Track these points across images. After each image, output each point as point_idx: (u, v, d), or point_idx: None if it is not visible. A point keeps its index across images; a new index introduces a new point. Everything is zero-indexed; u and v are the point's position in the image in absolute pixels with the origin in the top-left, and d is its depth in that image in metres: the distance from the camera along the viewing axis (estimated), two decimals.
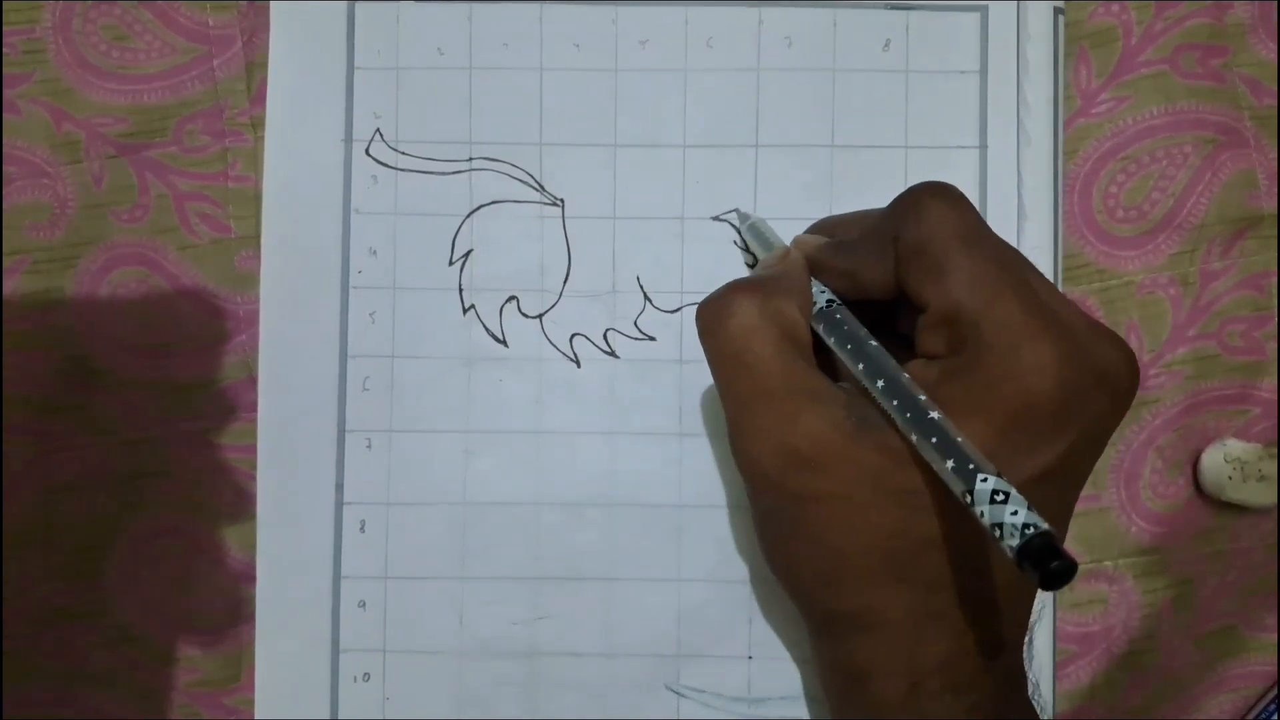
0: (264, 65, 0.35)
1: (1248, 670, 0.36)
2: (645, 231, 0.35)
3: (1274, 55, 0.36)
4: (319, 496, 0.34)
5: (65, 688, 0.34)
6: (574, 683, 0.34)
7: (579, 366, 0.35)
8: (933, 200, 0.27)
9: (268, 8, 0.35)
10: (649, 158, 0.35)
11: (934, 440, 0.25)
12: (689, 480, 0.34)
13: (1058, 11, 0.34)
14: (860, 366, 0.27)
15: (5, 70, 0.35)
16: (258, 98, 0.35)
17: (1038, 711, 0.29)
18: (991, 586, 0.27)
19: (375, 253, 0.35)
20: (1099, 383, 0.26)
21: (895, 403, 0.26)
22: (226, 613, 0.35)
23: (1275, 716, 0.35)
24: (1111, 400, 0.27)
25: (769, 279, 0.29)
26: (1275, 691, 0.35)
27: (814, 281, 0.30)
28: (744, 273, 0.34)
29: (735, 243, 0.35)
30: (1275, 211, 0.35)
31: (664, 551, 0.34)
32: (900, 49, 0.35)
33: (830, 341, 0.28)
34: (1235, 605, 0.36)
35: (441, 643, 0.34)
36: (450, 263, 0.35)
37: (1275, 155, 0.35)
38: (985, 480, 0.23)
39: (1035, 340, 0.25)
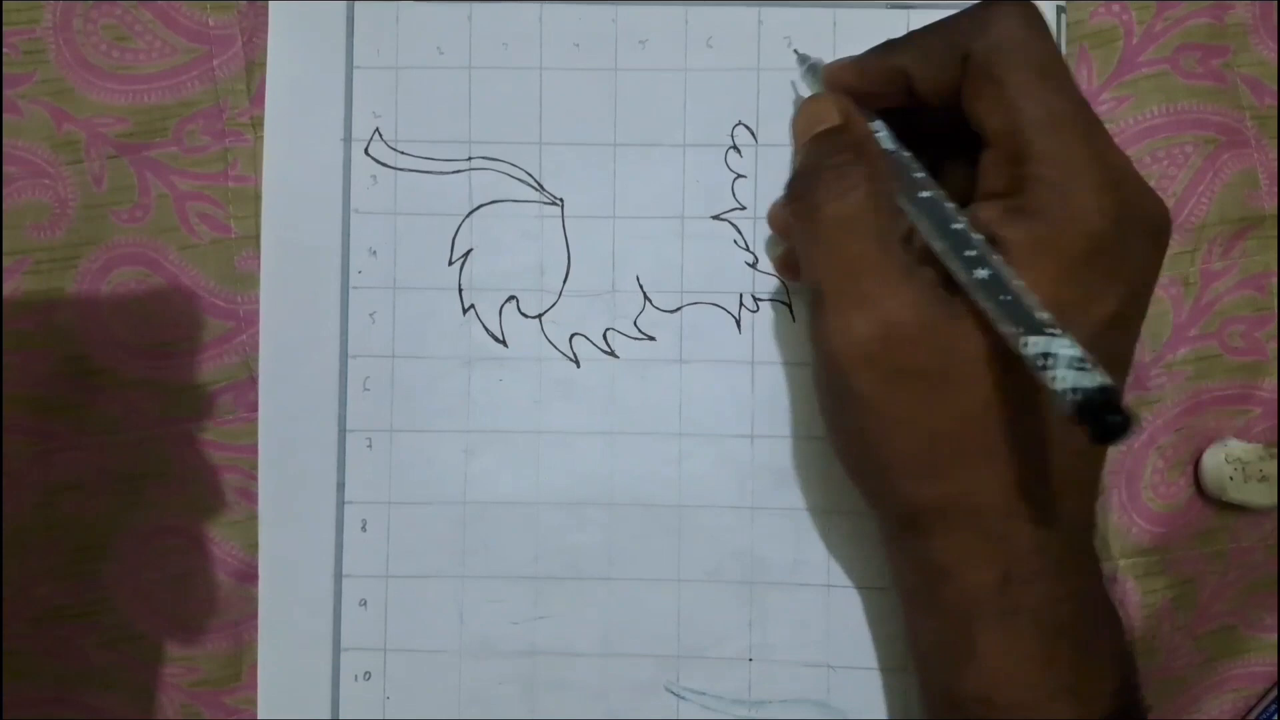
0: (264, 65, 0.35)
1: (1248, 670, 0.36)
2: (645, 231, 0.35)
3: (1274, 55, 0.36)
4: (320, 496, 0.34)
5: (65, 687, 0.34)
6: (574, 683, 0.34)
7: (579, 366, 0.35)
8: (1012, 17, 0.26)
9: (267, 7, 0.35)
10: (649, 157, 0.35)
11: (985, 301, 0.24)
12: (689, 480, 0.34)
13: (1060, 10, 0.34)
14: (928, 226, 0.27)
15: (5, 70, 0.35)
16: (257, 98, 0.35)
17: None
18: (1068, 460, 0.27)
19: (375, 253, 0.35)
20: (1147, 231, 0.26)
21: (960, 263, 0.25)
22: (227, 612, 0.35)
23: (1276, 717, 0.35)
24: (1154, 248, 0.27)
25: (869, 154, 0.28)
26: (1275, 692, 0.35)
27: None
28: (744, 272, 0.34)
29: (793, 82, 0.34)
30: (1276, 211, 0.35)
31: (664, 551, 0.34)
32: None
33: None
34: (1236, 605, 0.36)
35: (442, 642, 0.34)
36: (450, 262, 0.35)
37: (1276, 155, 0.35)
38: (1027, 345, 0.23)
39: (1100, 185, 0.25)
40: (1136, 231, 0.26)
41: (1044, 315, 0.23)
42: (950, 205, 0.27)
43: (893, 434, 0.27)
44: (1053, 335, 0.23)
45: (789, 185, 0.30)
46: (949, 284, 0.26)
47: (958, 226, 0.26)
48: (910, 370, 0.26)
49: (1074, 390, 0.22)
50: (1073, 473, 0.27)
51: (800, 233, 0.28)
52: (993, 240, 0.25)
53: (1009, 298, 0.24)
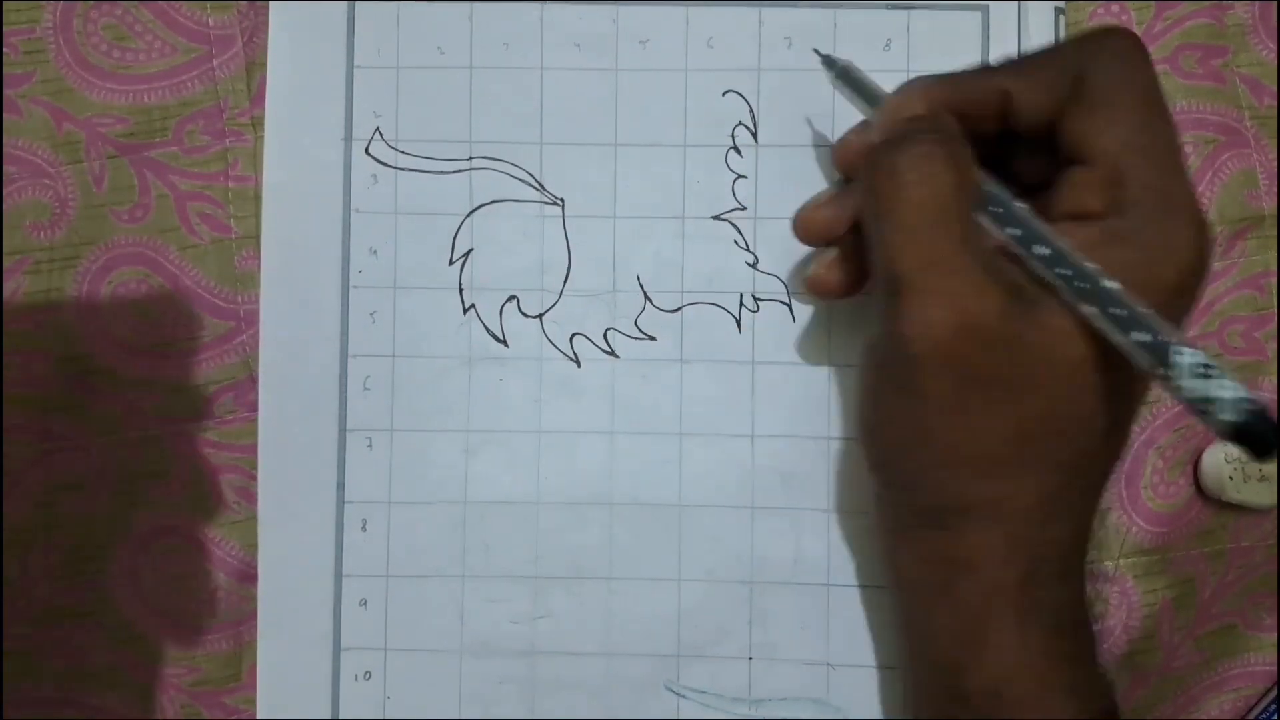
0: (264, 65, 0.35)
1: (1248, 670, 0.36)
2: (645, 231, 0.35)
3: (1274, 55, 0.36)
4: (320, 495, 0.34)
5: (65, 687, 0.34)
6: (574, 682, 0.34)
7: (579, 366, 0.35)
8: (1129, 44, 0.27)
9: (268, 7, 0.35)
10: (649, 157, 0.35)
11: (1112, 310, 0.24)
12: (689, 480, 0.34)
13: (1058, 11, 0.34)
14: (1018, 232, 0.26)
15: (6, 70, 0.35)
16: (258, 97, 0.35)
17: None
18: (1104, 473, 0.27)
19: (375, 252, 0.35)
20: (1209, 266, 0.27)
21: (1061, 271, 0.25)
22: (227, 612, 0.35)
23: (1275, 716, 0.35)
24: (1200, 283, 0.27)
25: (956, 142, 0.27)
26: (1275, 691, 0.35)
27: None
28: (745, 272, 0.34)
29: (832, 83, 0.32)
30: (1275, 211, 0.35)
31: (664, 551, 0.34)
32: (901, 49, 0.35)
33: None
34: (1235, 605, 0.36)
35: (442, 641, 0.34)
36: (450, 262, 0.35)
37: (1275, 155, 0.35)
38: (1181, 354, 0.23)
39: (1193, 219, 0.25)
40: (1206, 267, 0.26)
41: (1179, 332, 0.23)
42: (1047, 224, 0.26)
43: (952, 433, 0.27)
44: (1195, 347, 0.23)
45: (868, 157, 0.28)
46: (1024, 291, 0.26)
47: (1062, 243, 0.25)
48: (984, 374, 0.26)
49: (1245, 401, 0.22)
50: (1096, 482, 0.27)
51: (878, 212, 0.27)
52: None
53: (1141, 308, 0.24)
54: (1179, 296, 0.25)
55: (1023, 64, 0.28)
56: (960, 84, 0.29)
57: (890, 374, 0.28)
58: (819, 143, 0.34)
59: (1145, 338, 0.23)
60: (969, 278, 0.25)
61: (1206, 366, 0.22)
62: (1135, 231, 0.25)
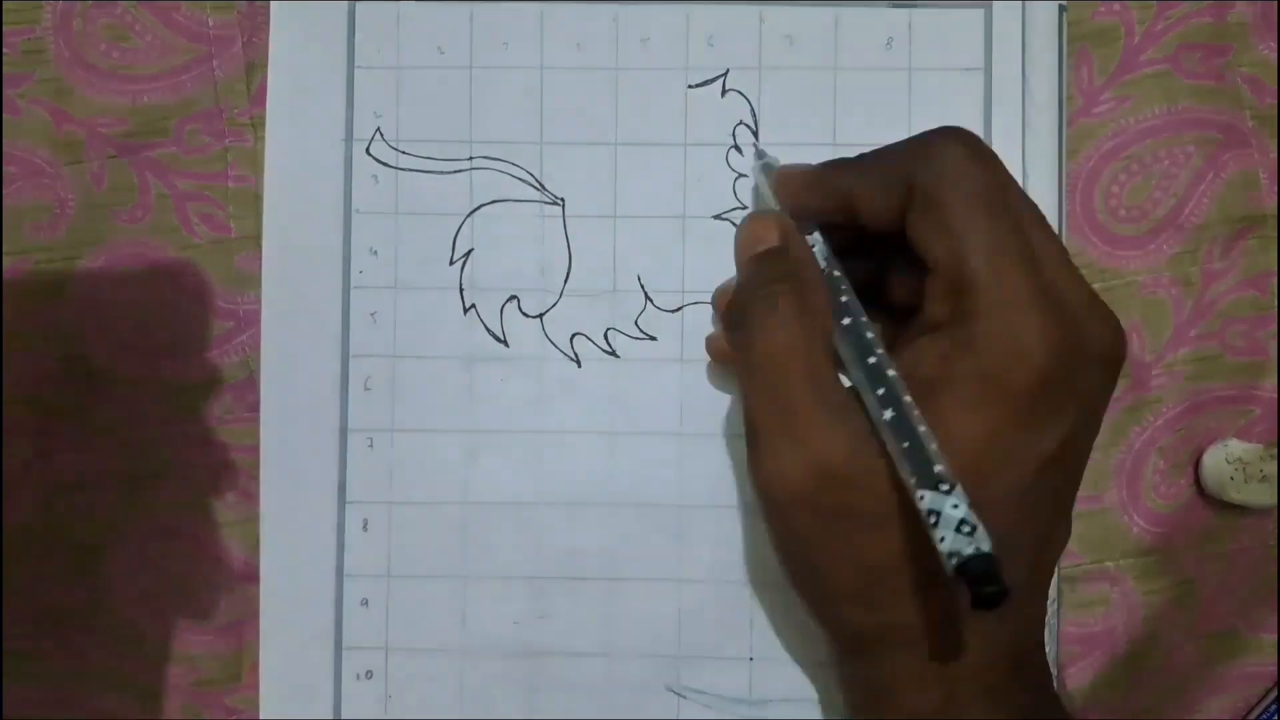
0: (264, 65, 0.35)
1: (1248, 671, 0.36)
2: (646, 231, 0.35)
3: (1275, 54, 0.36)
4: (321, 496, 0.34)
5: (65, 688, 0.34)
6: (575, 682, 0.34)
7: (580, 366, 0.35)
8: (956, 147, 0.26)
9: (268, 7, 0.35)
10: (650, 157, 0.35)
11: (903, 445, 0.24)
12: (689, 480, 0.34)
13: (1062, 9, 0.34)
14: (865, 376, 0.26)
15: (5, 70, 0.35)
16: (258, 97, 0.35)
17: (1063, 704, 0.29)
18: (1014, 585, 0.27)
19: (376, 252, 0.35)
20: (1094, 360, 0.26)
21: (867, 399, 0.26)
22: (228, 612, 0.35)
23: (1276, 718, 0.35)
24: (1104, 376, 0.26)
25: (805, 283, 0.28)
26: (1276, 693, 0.35)
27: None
28: None
29: (748, 180, 0.34)
30: (1276, 211, 0.35)
31: (665, 551, 0.34)
32: (903, 47, 0.35)
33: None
34: (1236, 606, 0.36)
35: (443, 641, 0.34)
36: (451, 262, 0.35)
37: (1277, 155, 0.35)
38: (922, 499, 0.23)
39: (1044, 316, 0.25)
40: (1084, 362, 0.26)
41: (940, 468, 0.23)
42: (870, 335, 0.26)
43: (830, 569, 0.27)
44: (944, 493, 0.23)
45: (725, 312, 0.29)
46: None
47: (873, 360, 0.26)
48: (843, 511, 0.26)
49: (952, 555, 0.22)
50: (1015, 599, 0.27)
51: (737, 363, 0.28)
52: (939, 377, 0.25)
53: (908, 444, 0.24)
54: (1036, 399, 0.25)
55: (865, 162, 0.28)
56: (814, 184, 0.29)
57: (769, 520, 0.29)
58: (820, 141, 0.34)
59: (907, 477, 0.24)
60: (813, 422, 0.26)
61: (932, 514, 0.23)
62: (976, 338, 0.25)
